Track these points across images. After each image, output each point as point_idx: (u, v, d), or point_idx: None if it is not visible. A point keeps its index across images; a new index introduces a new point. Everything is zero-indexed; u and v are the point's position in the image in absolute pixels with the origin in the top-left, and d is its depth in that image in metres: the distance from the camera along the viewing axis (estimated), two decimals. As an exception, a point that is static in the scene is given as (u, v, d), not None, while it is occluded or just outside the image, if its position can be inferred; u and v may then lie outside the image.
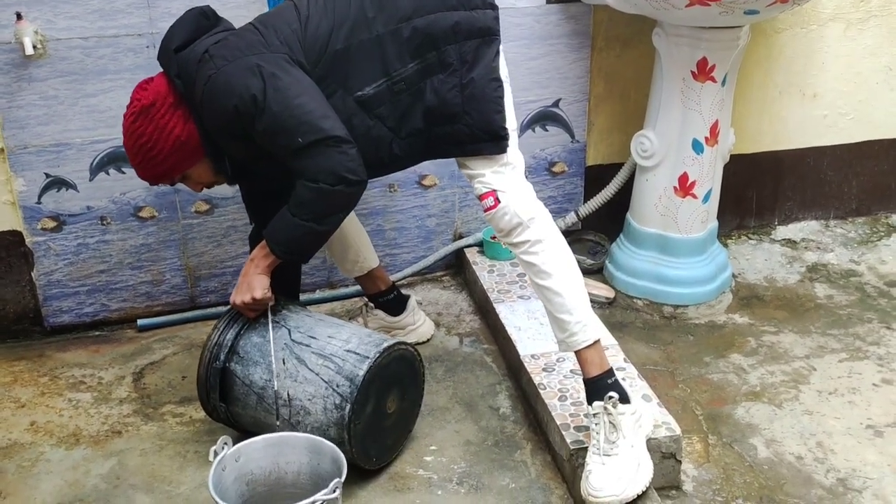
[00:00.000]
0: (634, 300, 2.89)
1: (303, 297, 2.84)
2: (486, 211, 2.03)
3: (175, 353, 2.70)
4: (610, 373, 2.02)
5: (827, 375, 2.55)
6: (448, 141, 2.05)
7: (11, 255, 2.69)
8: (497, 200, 2.00)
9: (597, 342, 2.02)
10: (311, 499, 1.70)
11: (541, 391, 2.28)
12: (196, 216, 2.79)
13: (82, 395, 2.51)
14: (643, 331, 2.77)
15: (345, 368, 2.00)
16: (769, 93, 3.15)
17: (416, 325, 2.64)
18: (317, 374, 2.01)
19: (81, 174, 2.65)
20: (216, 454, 1.83)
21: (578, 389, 2.27)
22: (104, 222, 2.72)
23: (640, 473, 1.95)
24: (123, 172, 2.67)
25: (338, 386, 1.98)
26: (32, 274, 2.72)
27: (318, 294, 2.94)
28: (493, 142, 2.02)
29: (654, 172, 2.80)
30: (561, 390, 2.28)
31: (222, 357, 2.11)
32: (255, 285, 2.08)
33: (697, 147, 2.72)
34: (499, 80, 2.03)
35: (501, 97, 2.02)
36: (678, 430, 2.12)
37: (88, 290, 2.78)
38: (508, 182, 2.02)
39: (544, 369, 2.37)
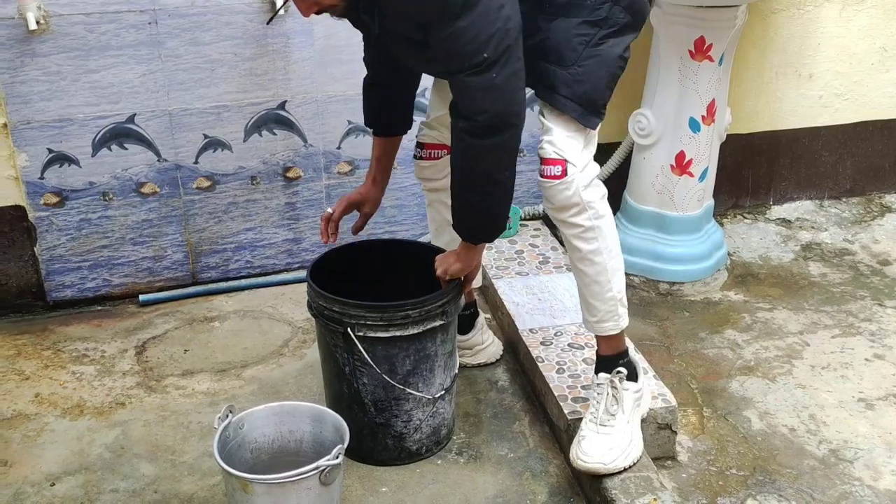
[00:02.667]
0: (630, 277, 2.92)
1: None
2: (545, 177, 1.89)
3: (177, 328, 2.73)
4: (624, 353, 2.05)
5: (820, 351, 2.59)
6: (544, 80, 1.89)
7: (14, 230, 2.72)
8: (564, 172, 1.86)
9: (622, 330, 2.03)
10: (315, 464, 1.73)
11: (539, 364, 2.32)
12: (197, 192, 2.81)
13: (85, 367, 2.54)
14: (639, 307, 2.81)
15: None
16: (765, 73, 3.18)
17: (485, 344, 2.49)
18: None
19: (84, 150, 2.67)
20: (220, 421, 1.86)
21: (576, 363, 2.32)
22: (106, 198, 2.74)
23: (631, 449, 1.97)
24: (126, 148, 2.70)
25: None
26: (35, 249, 2.74)
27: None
28: (586, 111, 1.89)
29: (652, 151, 2.83)
30: (559, 363, 2.32)
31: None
32: (477, 266, 2.08)
33: (694, 126, 2.75)
34: (625, 63, 1.92)
35: (618, 77, 1.93)
36: (674, 402, 2.16)
37: (90, 266, 2.81)
38: (582, 157, 1.90)
39: (542, 343, 2.41)
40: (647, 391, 2.13)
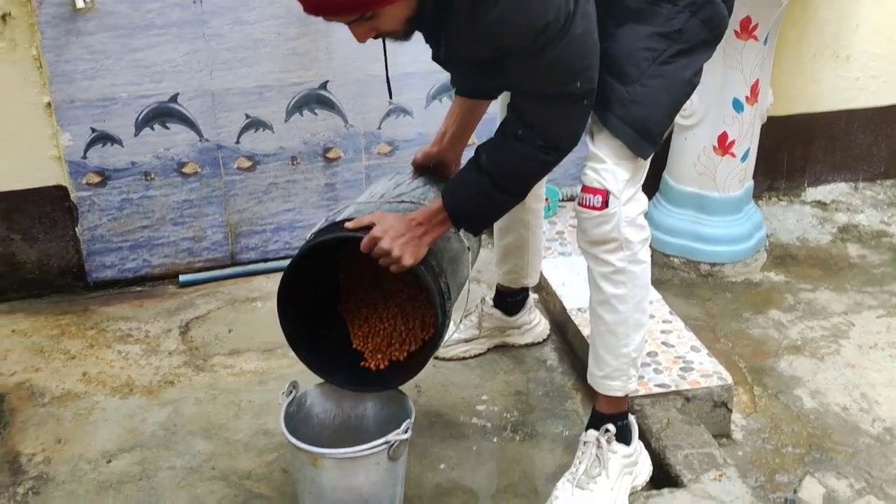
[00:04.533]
0: (671, 258, 2.92)
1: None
2: (583, 206, 1.73)
3: (219, 308, 2.72)
4: (623, 415, 1.89)
5: (866, 331, 2.59)
6: (599, 92, 1.64)
7: (56, 209, 2.71)
8: (605, 204, 1.70)
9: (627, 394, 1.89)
10: (385, 438, 1.73)
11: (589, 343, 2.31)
12: (238, 172, 2.80)
13: (131, 347, 2.54)
14: (681, 288, 2.80)
15: None
16: (803, 55, 3.17)
17: (532, 324, 2.45)
18: None
19: (127, 129, 2.66)
20: (284, 397, 1.85)
21: (628, 340, 2.30)
22: (148, 178, 2.73)
23: None
24: (168, 128, 2.69)
25: None
26: (77, 229, 2.74)
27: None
28: (640, 138, 1.69)
29: (694, 131, 2.82)
30: (610, 342, 2.31)
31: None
32: (419, 252, 1.69)
33: (738, 106, 2.74)
34: (693, 89, 1.75)
35: (682, 105, 1.76)
36: (730, 380, 2.16)
37: (131, 246, 2.80)
38: (627, 190, 1.72)
39: (592, 322, 2.40)
40: (645, 461, 1.94)
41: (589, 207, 1.73)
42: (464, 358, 2.42)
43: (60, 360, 2.48)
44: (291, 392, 1.87)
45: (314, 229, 1.83)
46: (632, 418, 1.90)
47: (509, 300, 2.42)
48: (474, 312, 2.43)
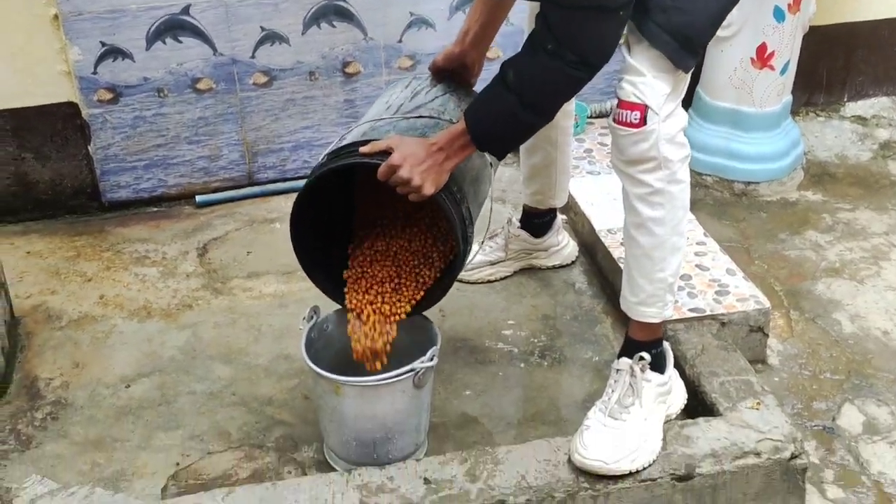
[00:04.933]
0: (703, 177, 2.81)
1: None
2: (619, 123, 1.61)
3: (237, 229, 2.65)
4: (658, 342, 1.80)
5: (908, 252, 2.49)
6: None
7: (67, 127, 2.62)
8: (644, 120, 1.58)
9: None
10: (410, 366, 1.66)
11: (620, 265, 2.22)
12: (254, 88, 2.69)
13: (148, 269, 2.48)
14: (713, 207, 2.70)
15: None
16: (848, -41, 2.99)
17: (560, 246, 2.35)
18: None
19: (138, 43, 2.55)
20: (305, 322, 1.79)
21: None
22: (161, 94, 2.63)
23: (642, 452, 1.66)
24: (180, 41, 2.57)
25: None
26: (89, 148, 2.65)
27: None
28: (681, 48, 1.58)
29: (731, 43, 2.68)
30: (642, 264, 2.22)
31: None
32: (440, 180, 1.60)
33: (779, 15, 2.59)
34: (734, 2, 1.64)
35: (728, 10, 1.64)
36: (767, 304, 2.08)
37: (146, 165, 2.72)
38: (667, 105, 1.61)
39: (622, 244, 2.31)
40: (679, 389, 1.86)
41: (625, 124, 1.61)
42: (489, 281, 2.35)
43: (76, 282, 2.43)
44: (312, 317, 1.81)
45: (328, 149, 1.73)
46: (666, 345, 1.82)
47: (536, 221, 2.33)
48: (500, 234, 2.35)
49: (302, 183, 1.76)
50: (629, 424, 1.68)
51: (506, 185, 2.78)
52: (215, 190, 2.80)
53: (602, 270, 2.36)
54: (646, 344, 1.77)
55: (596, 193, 2.55)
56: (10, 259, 2.52)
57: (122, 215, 2.74)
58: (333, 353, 1.84)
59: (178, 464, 1.84)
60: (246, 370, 2.09)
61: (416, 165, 1.58)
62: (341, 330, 1.85)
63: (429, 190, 1.59)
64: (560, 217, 2.39)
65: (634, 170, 1.66)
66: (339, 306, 1.83)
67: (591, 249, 2.43)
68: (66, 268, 2.49)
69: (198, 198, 2.77)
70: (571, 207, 2.55)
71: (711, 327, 2.02)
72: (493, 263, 2.34)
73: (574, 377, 2.04)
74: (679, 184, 1.69)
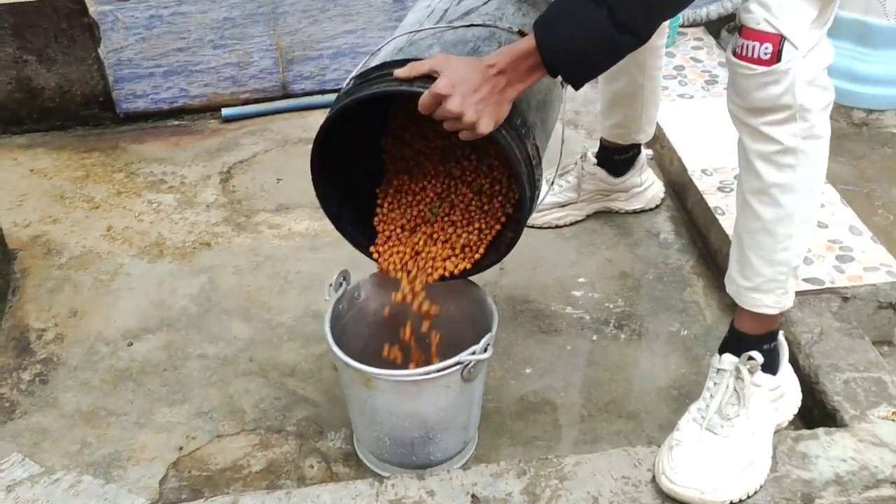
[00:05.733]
0: (815, 102, 2.36)
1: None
2: (743, 59, 1.22)
3: (266, 151, 2.31)
4: (773, 335, 1.43)
5: None
6: None
7: (74, 26, 2.27)
8: (777, 56, 1.20)
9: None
10: (457, 358, 1.32)
11: (718, 216, 1.84)
12: (288, -16, 2.30)
13: (163, 196, 2.16)
14: (826, 140, 2.27)
15: None
16: None
17: (643, 186, 1.99)
18: None
19: (150, -73, 2.17)
20: (332, 291, 1.45)
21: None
22: (180, -11, 2.26)
23: (747, 477, 1.31)
24: (201, -74, 2.18)
25: None
26: (99, 50, 2.31)
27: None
28: None
29: (864, -62, 2.20)
30: (745, 217, 1.83)
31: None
32: (501, 113, 1.23)
33: None
34: None
35: None
36: (902, 276, 1.69)
37: (165, 72, 2.37)
38: (811, 36, 1.22)
39: (720, 189, 1.92)
40: (792, 389, 1.48)
41: (751, 60, 1.21)
42: (557, 226, 1.98)
43: (83, 209, 2.12)
44: (341, 284, 1.47)
45: (355, 71, 1.35)
46: (781, 338, 1.45)
47: (616, 158, 1.94)
48: (572, 171, 1.96)
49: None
50: (732, 441, 1.33)
51: (579, 106, 2.38)
52: (244, 102, 2.45)
53: (693, 219, 1.97)
54: (757, 339, 1.40)
55: (688, 122, 2.14)
56: (11, 178, 2.23)
57: (138, 128, 2.42)
58: (365, 327, 1.51)
59: (181, 448, 1.55)
60: (267, 329, 1.78)
61: (470, 94, 1.19)
62: (377, 298, 1.51)
63: (486, 127, 1.21)
64: (645, 152, 1.99)
65: (759, 120, 1.25)
66: (374, 270, 1.49)
67: (681, 192, 2.03)
68: (73, 191, 2.18)
69: (224, 111, 2.42)
70: (658, 139, 2.15)
71: (831, 304, 1.64)
72: (562, 205, 1.97)
73: (657, 356, 1.69)
74: (817, 139, 1.28)
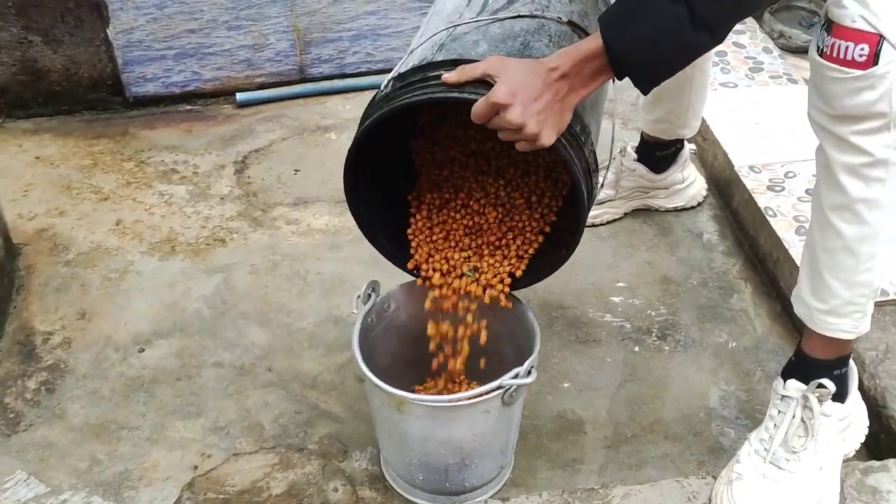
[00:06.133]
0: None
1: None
2: (832, 60, 1.08)
3: (284, 139, 2.19)
4: (844, 360, 1.31)
5: None
6: None
7: (81, 6, 2.15)
8: (874, 59, 1.05)
9: None
10: (498, 382, 1.21)
11: (769, 217, 1.72)
12: (307, -38, 2.17)
13: (175, 188, 2.04)
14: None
15: None
16: None
17: (686, 182, 1.88)
18: None
19: None
20: (361, 304, 1.34)
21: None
22: (192, -33, 2.13)
23: None
24: None
25: None
26: (108, 31, 2.18)
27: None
28: None
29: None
30: (797, 219, 1.72)
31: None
32: (563, 122, 1.12)
33: None
34: None
35: None
36: (972, 288, 1.57)
37: (176, 55, 2.24)
38: None
39: (770, 188, 1.80)
40: (860, 415, 1.36)
41: (843, 62, 1.07)
42: (594, 224, 1.87)
43: (91, 200, 2.01)
44: (369, 297, 1.36)
45: (393, 71, 1.23)
46: (852, 362, 1.33)
47: (658, 154, 1.82)
48: (610, 167, 1.84)
49: (364, 80, 1.27)
50: (799, 476, 1.22)
51: (612, 94, 2.25)
52: (260, 86, 2.32)
53: (739, 219, 1.85)
54: (828, 365, 1.28)
55: (732, 113, 2.01)
56: (17, 166, 2.12)
57: (149, 114, 2.30)
58: (395, 339, 1.40)
59: (195, 467, 1.45)
60: (286, 336, 1.67)
61: (531, 103, 1.07)
62: (408, 310, 1.41)
63: (549, 139, 1.10)
64: (688, 147, 1.87)
65: (848, 129, 1.11)
66: (406, 282, 1.38)
67: (725, 190, 1.91)
68: (80, 181, 2.07)
69: (239, 96, 2.30)
70: (700, 132, 2.01)
71: (896, 317, 1.53)
72: (600, 203, 1.86)
73: (705, 371, 1.58)
74: None
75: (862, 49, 1.05)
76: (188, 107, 2.32)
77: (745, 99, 2.05)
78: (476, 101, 1.09)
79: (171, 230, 1.93)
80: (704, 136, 2.00)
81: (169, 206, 1.99)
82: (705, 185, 1.93)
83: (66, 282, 1.80)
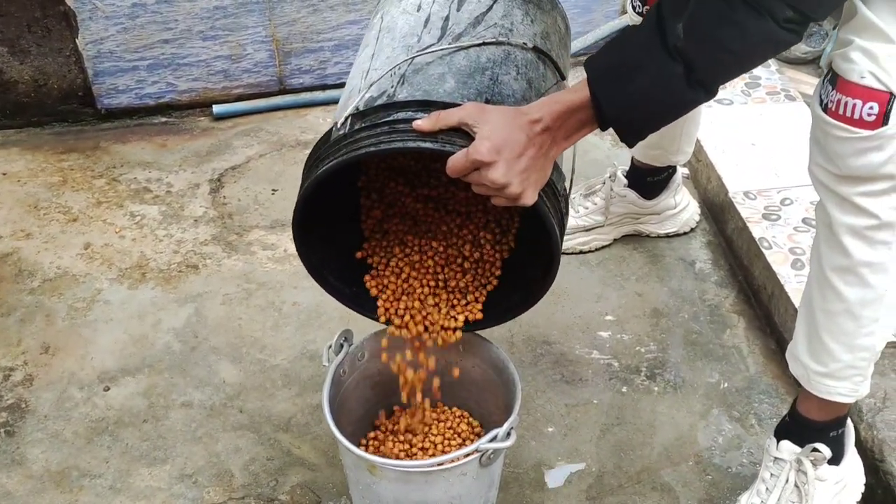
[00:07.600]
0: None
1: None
2: (839, 119, 1.01)
3: (262, 155, 2.11)
4: (840, 422, 1.26)
5: None
6: None
7: (49, 15, 2.06)
8: (884, 118, 0.98)
9: None
10: (475, 445, 1.14)
11: (764, 249, 1.65)
12: (287, -29, 2.09)
13: (148, 208, 1.96)
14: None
15: None
16: None
17: (678, 208, 1.80)
18: None
19: None
20: (332, 354, 1.27)
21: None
22: (165, -24, 2.04)
23: None
24: None
25: None
26: (77, 41, 2.10)
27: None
28: None
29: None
30: (793, 251, 1.64)
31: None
32: (544, 177, 1.05)
33: None
34: None
35: None
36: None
37: (149, 66, 2.16)
38: None
39: (766, 216, 1.72)
40: (856, 475, 1.32)
41: (850, 122, 1.00)
42: (582, 252, 1.79)
43: (59, 222, 1.93)
44: (342, 346, 1.28)
45: (351, 105, 1.12)
46: (849, 423, 1.26)
47: (649, 179, 1.75)
48: (599, 192, 1.77)
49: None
50: None
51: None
52: (237, 98, 2.24)
53: (733, 248, 1.78)
54: (824, 427, 1.21)
55: (727, 131, 1.94)
56: (-18, 183, 2.03)
57: (121, 126, 2.21)
58: (369, 389, 1.33)
59: (160, 520, 1.38)
60: (259, 373, 1.60)
61: (514, 161, 0.99)
62: (380, 362, 1.33)
63: (532, 198, 1.03)
64: (681, 171, 1.79)
65: (853, 190, 1.04)
66: (377, 328, 1.31)
67: (719, 216, 1.84)
68: (48, 200, 1.99)
69: (215, 108, 2.22)
70: (693, 153, 1.94)
71: (895, 362, 1.46)
72: (588, 229, 1.79)
73: (695, 414, 1.51)
74: None
75: (871, 108, 0.98)
76: (163, 119, 2.23)
77: (741, 117, 1.97)
78: (452, 153, 1.02)
79: (141, 255, 1.85)
80: (698, 158, 1.92)
81: (140, 229, 1.91)
82: (698, 210, 1.85)
83: (30, 311, 1.73)
